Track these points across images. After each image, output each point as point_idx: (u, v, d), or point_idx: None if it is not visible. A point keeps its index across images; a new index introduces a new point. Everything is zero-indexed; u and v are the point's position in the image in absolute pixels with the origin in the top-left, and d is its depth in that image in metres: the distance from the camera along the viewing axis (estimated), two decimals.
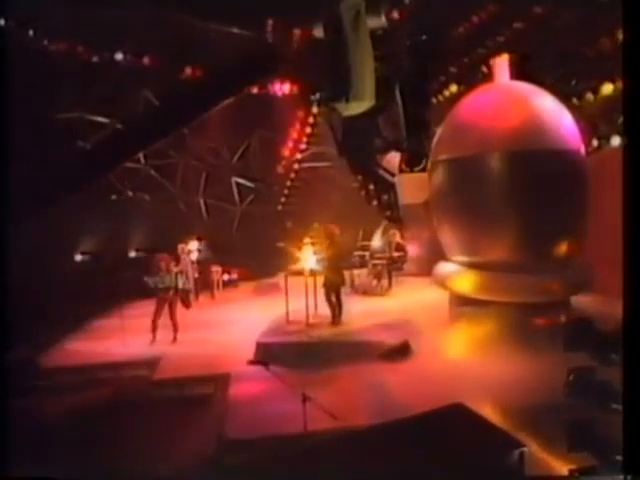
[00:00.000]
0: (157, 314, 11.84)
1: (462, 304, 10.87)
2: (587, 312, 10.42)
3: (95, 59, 14.83)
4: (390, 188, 5.93)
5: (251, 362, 6.54)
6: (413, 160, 5.93)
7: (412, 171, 6.06)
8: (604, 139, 11.09)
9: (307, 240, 17.85)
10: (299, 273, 11.73)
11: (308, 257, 16.92)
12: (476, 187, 10.22)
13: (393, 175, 5.75)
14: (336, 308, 11.23)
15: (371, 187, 6.23)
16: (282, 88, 16.49)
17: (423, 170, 6.24)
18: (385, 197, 6.09)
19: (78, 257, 18.48)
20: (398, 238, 14.61)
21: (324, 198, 17.46)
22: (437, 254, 15.21)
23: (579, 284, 10.15)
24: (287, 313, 11.42)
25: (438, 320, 11.29)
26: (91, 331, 12.76)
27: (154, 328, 11.78)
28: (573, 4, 10.94)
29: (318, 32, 4.98)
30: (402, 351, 9.93)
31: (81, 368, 10.77)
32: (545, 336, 9.92)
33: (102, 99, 16.07)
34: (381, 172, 5.82)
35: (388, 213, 6.08)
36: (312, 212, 17.71)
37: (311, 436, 6.34)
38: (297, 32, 13.55)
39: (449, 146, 10.70)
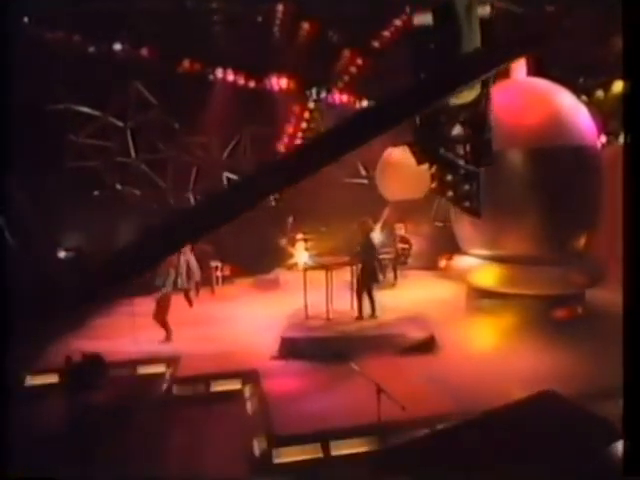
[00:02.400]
0: (165, 313, 11.62)
1: (480, 297, 11.02)
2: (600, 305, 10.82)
3: (92, 49, 14.32)
4: (473, 179, 5.90)
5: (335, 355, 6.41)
6: (485, 152, 5.99)
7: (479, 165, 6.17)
8: (613, 135, 11.41)
9: (300, 236, 17.83)
10: (320, 267, 11.59)
11: (300, 253, 16.93)
12: (497, 182, 10.34)
13: (478, 166, 5.76)
14: (364, 303, 11.18)
15: (449, 178, 6.17)
16: (279, 82, 16.38)
17: (491, 163, 6.34)
18: (466, 187, 6.04)
19: (62, 254, 17.86)
20: (403, 232, 14.74)
21: (319, 194, 17.42)
22: (437, 248, 15.49)
23: (597, 276, 10.43)
24: (306, 308, 11.33)
25: (455, 313, 11.44)
26: (98, 329, 12.35)
27: (167, 327, 11.59)
28: (583, 3, 11.16)
29: (419, 19, 4.83)
30: (428, 344, 10.00)
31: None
32: (565, 326, 10.27)
33: (93, 90, 15.57)
34: (463, 162, 5.80)
35: (467, 204, 6.02)
36: (307, 207, 17.69)
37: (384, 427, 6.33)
38: (305, 25, 13.52)
39: None
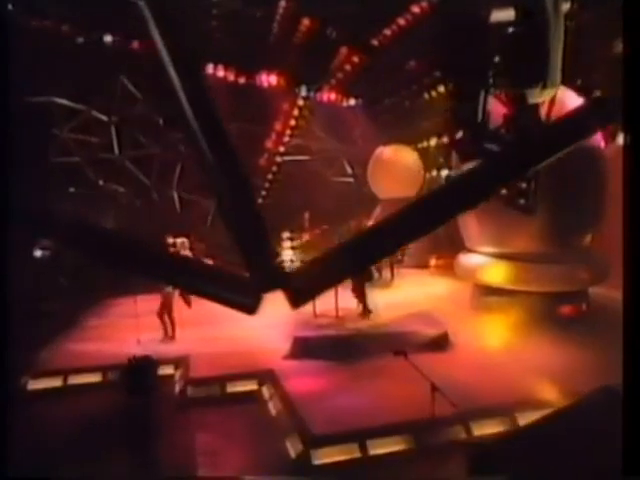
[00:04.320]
0: (163, 310, 11.39)
1: (487, 294, 11.17)
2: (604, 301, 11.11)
3: (80, 40, 13.83)
4: (532, 177, 5.93)
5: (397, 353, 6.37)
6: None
7: None
8: (610, 137, 11.69)
9: (286, 234, 17.70)
10: None
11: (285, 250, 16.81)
12: None
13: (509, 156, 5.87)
14: (363, 301, 11.21)
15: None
16: (268, 79, 16.20)
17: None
18: (523, 185, 6.07)
19: (37, 253, 17.22)
20: None
21: (307, 191, 17.37)
22: (427, 246, 15.62)
23: (602, 273, 10.70)
24: (314, 306, 11.22)
25: (460, 310, 11.52)
26: (100, 330, 11.94)
27: (164, 324, 11.35)
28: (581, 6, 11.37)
29: (498, 15, 4.78)
30: (442, 341, 10.07)
31: (97, 369, 10.05)
32: (571, 323, 10.52)
33: (78, 83, 15.09)
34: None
35: (522, 201, 6.04)
36: (294, 205, 17.57)
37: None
38: (304, 22, 13.37)
39: None
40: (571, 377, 8.33)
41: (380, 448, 7.18)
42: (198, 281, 4.02)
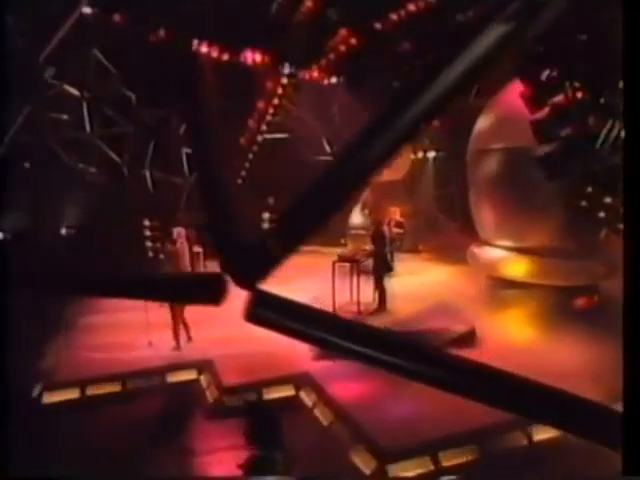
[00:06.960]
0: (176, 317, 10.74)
1: (504, 287, 11.34)
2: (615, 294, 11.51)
3: (55, 9, 12.55)
4: (614, 190, 5.78)
5: None
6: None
7: None
8: None
9: (266, 215, 17.31)
10: (348, 259, 11.31)
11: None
12: (523, 178, 10.53)
13: (614, 179, 5.63)
14: (383, 296, 11.14)
15: (589, 189, 6.07)
16: (254, 56, 15.48)
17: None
18: (608, 200, 5.94)
19: None
20: (398, 216, 14.71)
21: (288, 171, 16.91)
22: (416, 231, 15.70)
23: (615, 267, 11.07)
24: (333, 303, 10.98)
25: (476, 303, 11.54)
26: (108, 330, 11.17)
27: (177, 335, 10.72)
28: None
29: None
30: (470, 338, 10.13)
31: (112, 377, 9.45)
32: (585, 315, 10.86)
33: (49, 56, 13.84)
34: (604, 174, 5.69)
35: (601, 215, 5.94)
36: (275, 186, 17.11)
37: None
38: (308, 2, 12.72)
39: (498, 136, 10.93)
40: (606, 373, 8.55)
41: (451, 459, 7.17)
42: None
